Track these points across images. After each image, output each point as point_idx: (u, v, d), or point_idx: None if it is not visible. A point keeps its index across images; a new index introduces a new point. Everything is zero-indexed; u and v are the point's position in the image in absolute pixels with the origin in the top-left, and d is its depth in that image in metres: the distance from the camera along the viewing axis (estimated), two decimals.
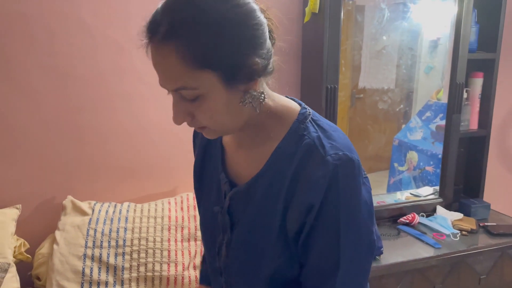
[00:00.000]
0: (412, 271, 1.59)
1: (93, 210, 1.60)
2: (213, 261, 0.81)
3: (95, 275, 1.46)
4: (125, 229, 1.56)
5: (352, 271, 0.67)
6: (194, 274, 1.56)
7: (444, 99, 1.99)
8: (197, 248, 1.62)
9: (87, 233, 1.53)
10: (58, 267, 1.46)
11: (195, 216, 1.67)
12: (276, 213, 0.68)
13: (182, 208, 1.68)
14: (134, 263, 1.51)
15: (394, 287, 1.58)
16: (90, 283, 1.46)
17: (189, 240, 1.61)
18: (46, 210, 1.66)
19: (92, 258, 1.49)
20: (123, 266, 1.50)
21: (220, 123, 0.66)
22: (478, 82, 1.99)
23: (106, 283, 1.46)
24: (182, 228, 1.62)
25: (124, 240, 1.53)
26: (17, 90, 1.55)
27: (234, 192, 0.74)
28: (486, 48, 1.94)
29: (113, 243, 1.52)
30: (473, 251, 1.67)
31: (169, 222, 1.62)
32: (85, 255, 1.49)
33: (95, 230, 1.53)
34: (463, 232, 1.79)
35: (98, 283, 1.46)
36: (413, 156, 2.17)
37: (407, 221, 1.85)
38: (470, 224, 1.83)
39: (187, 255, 1.58)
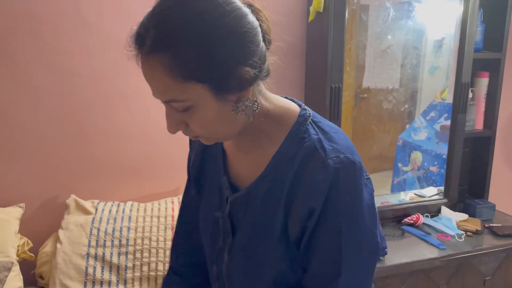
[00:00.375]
0: (416, 272, 1.58)
1: (96, 209, 1.60)
2: (211, 265, 0.80)
3: (98, 274, 1.46)
4: (129, 228, 1.56)
5: (354, 275, 0.66)
6: None
7: (449, 99, 1.98)
8: None
9: (91, 232, 1.53)
10: (62, 266, 1.46)
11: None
12: (277, 217, 0.68)
13: None
14: (137, 263, 1.51)
15: None
16: (93, 282, 1.45)
17: None
18: (50, 209, 1.66)
19: (96, 257, 1.49)
20: (126, 266, 1.49)
21: (213, 131, 0.65)
22: (483, 82, 1.97)
23: (109, 282, 1.46)
24: None
25: (127, 239, 1.53)
26: (21, 89, 1.55)
27: (235, 197, 0.73)
28: (491, 47, 1.93)
29: (116, 242, 1.52)
30: (478, 252, 1.66)
31: (172, 222, 1.61)
32: (88, 254, 1.48)
33: (99, 229, 1.53)
34: (468, 233, 1.77)
35: (101, 282, 1.46)
36: (417, 156, 2.16)
37: (412, 221, 1.84)
38: (475, 225, 1.82)
39: None
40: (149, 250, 1.53)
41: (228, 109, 0.63)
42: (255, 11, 0.63)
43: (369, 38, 2.03)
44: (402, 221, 1.86)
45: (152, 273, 1.50)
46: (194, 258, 0.90)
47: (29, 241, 1.55)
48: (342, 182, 0.63)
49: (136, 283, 1.49)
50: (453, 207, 1.96)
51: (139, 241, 1.54)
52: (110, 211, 1.60)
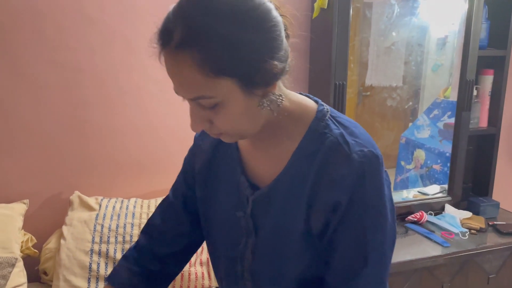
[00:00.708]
0: (420, 270, 1.58)
1: (100, 206, 1.60)
2: (231, 266, 0.78)
3: (102, 270, 1.46)
4: (132, 224, 1.56)
5: (377, 267, 0.66)
6: (200, 270, 1.56)
7: (452, 97, 1.97)
8: (203, 244, 1.61)
9: (94, 228, 1.53)
10: (65, 262, 1.46)
11: None
12: (299, 213, 0.67)
13: None
14: None
15: (402, 285, 1.57)
16: (97, 278, 1.46)
17: None
18: (53, 205, 1.66)
19: (99, 254, 1.49)
20: None
21: (238, 128, 0.65)
22: (488, 79, 1.97)
23: None
24: None
25: (131, 236, 1.53)
26: (24, 85, 1.55)
27: (257, 196, 0.72)
28: (496, 45, 1.92)
29: (120, 238, 1.52)
30: (482, 250, 1.66)
31: None
32: (92, 251, 1.49)
33: (102, 226, 1.53)
34: (472, 231, 1.77)
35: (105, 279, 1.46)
36: (420, 154, 2.16)
37: (415, 219, 1.83)
38: (479, 222, 1.82)
39: None
40: None
41: (254, 104, 0.62)
42: (276, 6, 0.63)
43: (373, 35, 2.03)
44: (406, 219, 1.85)
45: None
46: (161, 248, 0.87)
47: (33, 237, 1.55)
48: (367, 176, 0.63)
49: None
50: (457, 205, 1.95)
51: None
52: (113, 207, 1.60)
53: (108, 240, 1.51)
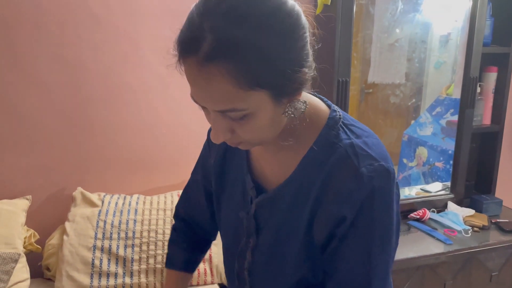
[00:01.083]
0: (422, 267, 1.58)
1: (102, 202, 1.60)
2: (231, 264, 0.79)
3: (104, 267, 1.47)
4: (135, 221, 1.56)
5: (381, 280, 0.65)
6: (203, 266, 1.56)
7: (455, 94, 1.96)
8: None
9: (97, 224, 1.53)
10: (68, 258, 1.46)
11: None
12: (302, 220, 0.67)
13: None
14: (144, 255, 1.51)
15: (404, 283, 1.57)
16: (100, 274, 1.46)
17: None
18: (56, 201, 1.67)
19: (102, 250, 1.49)
20: (132, 258, 1.50)
21: (261, 136, 0.62)
22: (492, 77, 1.96)
23: (116, 275, 1.47)
24: None
25: (134, 232, 1.53)
26: (28, 81, 1.55)
27: (261, 199, 0.71)
28: (500, 42, 1.91)
29: (122, 234, 1.53)
30: (484, 248, 1.65)
31: None
32: (94, 247, 1.49)
33: (105, 222, 1.53)
34: (475, 229, 1.77)
35: (108, 274, 1.46)
36: (422, 152, 2.15)
37: (418, 216, 1.83)
38: (481, 220, 1.81)
39: None
40: (155, 243, 1.53)
41: (279, 112, 0.60)
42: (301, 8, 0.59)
43: (376, 32, 2.02)
44: (408, 216, 1.85)
45: (158, 266, 1.50)
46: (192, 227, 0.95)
47: (36, 233, 1.55)
48: (377, 192, 0.61)
49: (142, 276, 1.49)
50: (459, 203, 1.95)
51: (145, 233, 1.54)
52: (116, 203, 1.60)
53: (111, 236, 1.51)
